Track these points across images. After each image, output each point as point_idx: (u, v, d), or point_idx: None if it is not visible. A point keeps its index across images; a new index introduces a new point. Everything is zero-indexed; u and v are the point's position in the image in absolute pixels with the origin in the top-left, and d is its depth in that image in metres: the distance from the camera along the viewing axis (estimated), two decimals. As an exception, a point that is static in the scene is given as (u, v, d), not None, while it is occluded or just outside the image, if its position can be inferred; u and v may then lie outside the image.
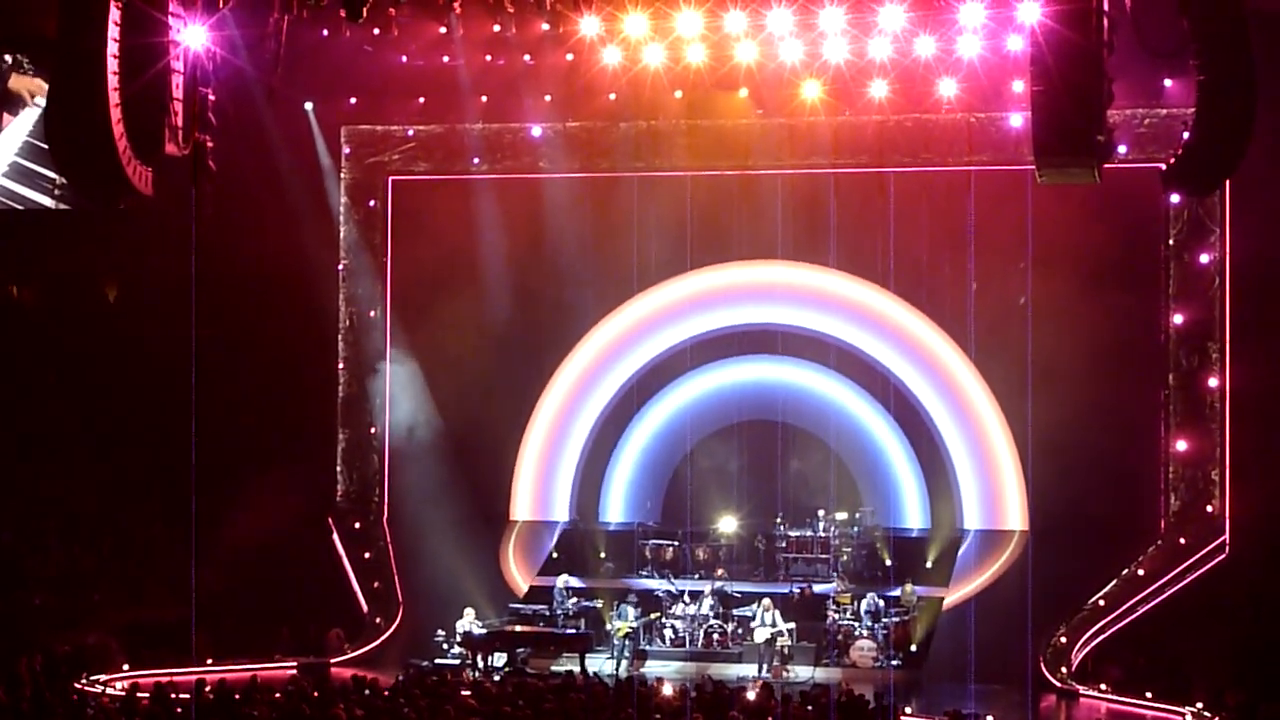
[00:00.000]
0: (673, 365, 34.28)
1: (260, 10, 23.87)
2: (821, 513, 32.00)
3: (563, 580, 30.95)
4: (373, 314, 33.99)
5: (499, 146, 33.37)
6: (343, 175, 33.81)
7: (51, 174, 31.25)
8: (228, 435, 30.74)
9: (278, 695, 23.28)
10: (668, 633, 30.40)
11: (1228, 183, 27.57)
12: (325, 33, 29.07)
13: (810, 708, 23.10)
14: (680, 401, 34.31)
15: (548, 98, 32.26)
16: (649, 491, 34.09)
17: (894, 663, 29.32)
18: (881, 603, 29.98)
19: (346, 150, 33.81)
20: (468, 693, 24.06)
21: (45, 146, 24.62)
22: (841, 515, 32.14)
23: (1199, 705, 26.27)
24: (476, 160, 33.46)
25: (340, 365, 33.89)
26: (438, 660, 29.13)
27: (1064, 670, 29.12)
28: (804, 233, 32.71)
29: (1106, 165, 21.33)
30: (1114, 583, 30.20)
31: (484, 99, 32.44)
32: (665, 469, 34.20)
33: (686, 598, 30.59)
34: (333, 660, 30.14)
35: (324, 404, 33.59)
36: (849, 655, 29.53)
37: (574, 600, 30.56)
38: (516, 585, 32.50)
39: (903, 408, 33.13)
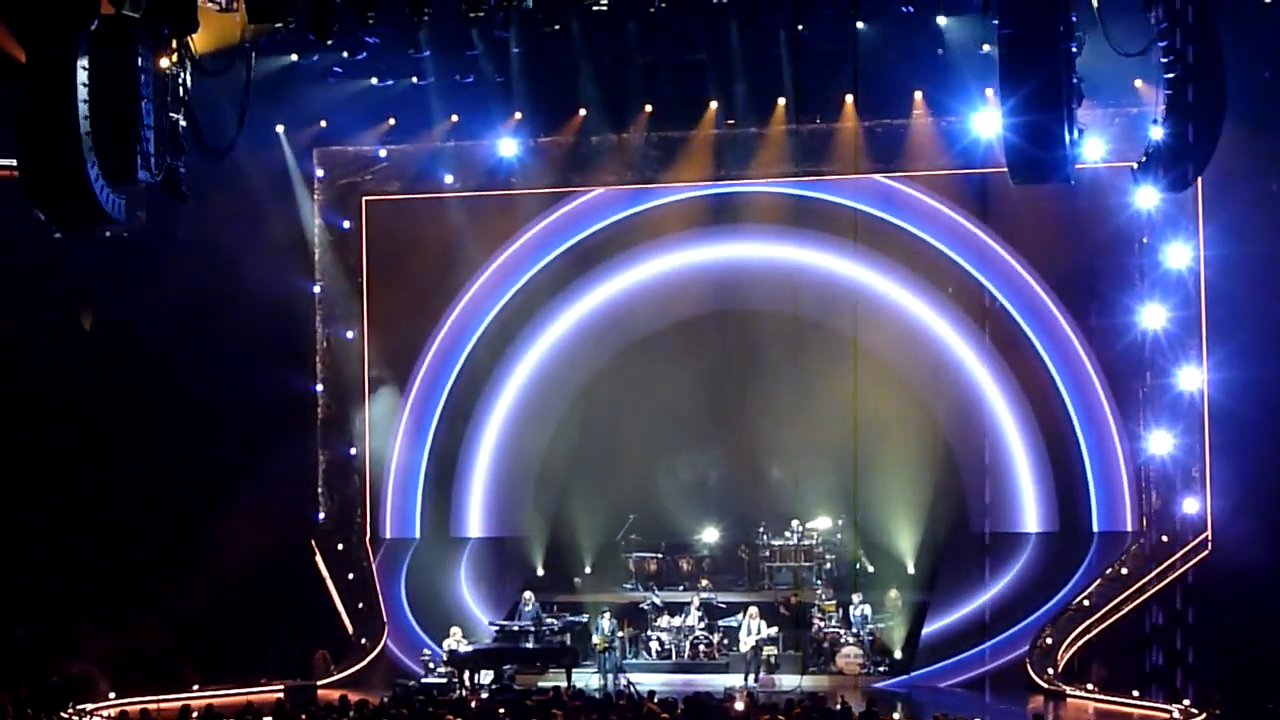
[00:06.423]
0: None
1: (230, 34, 23.85)
2: (795, 522, 31.82)
3: (527, 595, 30.80)
4: (350, 335, 33.95)
5: (471, 164, 33.36)
6: (316, 197, 33.72)
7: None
8: (207, 460, 30.77)
9: (267, 719, 23.24)
10: (654, 645, 30.38)
11: (1200, 180, 27.56)
12: (295, 56, 29.11)
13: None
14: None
15: (518, 115, 32.21)
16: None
17: (880, 669, 29.38)
18: (869, 608, 29.99)
19: (319, 172, 33.72)
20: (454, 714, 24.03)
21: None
22: (825, 524, 31.99)
23: (1185, 703, 26.31)
24: (449, 179, 33.45)
25: (319, 387, 33.83)
26: (424, 679, 29.08)
27: (1051, 671, 29.11)
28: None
29: (1079, 165, 21.39)
30: (1098, 582, 30.21)
31: (455, 118, 32.39)
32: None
33: (667, 614, 30.60)
34: (319, 682, 30.08)
35: (303, 427, 33.50)
36: (835, 662, 29.55)
37: (553, 619, 30.36)
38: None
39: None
